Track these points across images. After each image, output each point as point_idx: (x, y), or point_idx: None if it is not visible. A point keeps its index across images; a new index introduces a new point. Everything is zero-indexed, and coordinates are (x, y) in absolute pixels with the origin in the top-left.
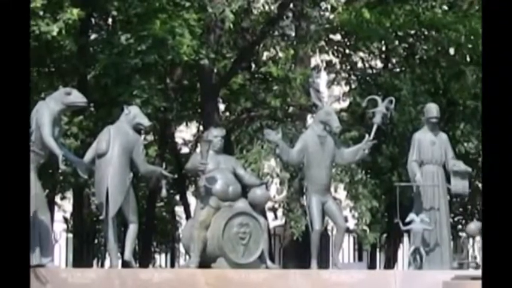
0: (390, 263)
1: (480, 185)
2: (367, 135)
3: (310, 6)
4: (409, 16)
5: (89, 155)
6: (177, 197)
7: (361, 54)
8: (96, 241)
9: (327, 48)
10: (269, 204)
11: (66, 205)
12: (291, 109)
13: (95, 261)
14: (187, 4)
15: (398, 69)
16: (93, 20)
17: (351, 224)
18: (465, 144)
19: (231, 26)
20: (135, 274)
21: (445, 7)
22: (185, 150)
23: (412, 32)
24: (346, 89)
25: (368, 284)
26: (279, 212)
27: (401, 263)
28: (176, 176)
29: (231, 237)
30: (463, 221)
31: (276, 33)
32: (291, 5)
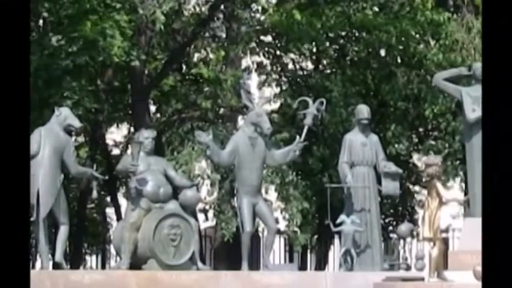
0: (321, 264)
1: (411, 186)
2: (298, 137)
3: (240, 8)
4: (340, 17)
5: None
6: (108, 199)
7: (292, 55)
8: None
9: (257, 50)
10: (200, 205)
11: None
12: (221, 111)
13: None
14: (118, 5)
15: (329, 71)
16: None
17: (282, 225)
18: (396, 145)
19: (162, 27)
20: (66, 275)
21: (376, 8)
22: (116, 151)
23: (343, 33)
24: (277, 90)
25: (299, 286)
26: (210, 214)
27: (332, 265)
28: (107, 177)
29: (161, 238)
30: (394, 223)
31: (207, 34)
32: (222, 7)
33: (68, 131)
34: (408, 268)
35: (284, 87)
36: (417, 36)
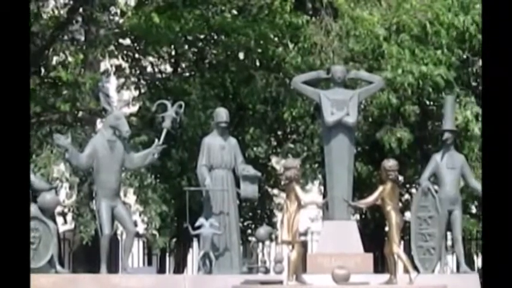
0: (180, 267)
1: (270, 190)
2: (156, 140)
3: (99, 11)
4: (198, 20)
5: None
6: None
7: (150, 58)
8: None
9: (116, 53)
10: (59, 208)
11: None
12: (80, 114)
13: None
14: None
15: (187, 74)
16: None
17: (141, 228)
18: (255, 148)
19: None
20: None
21: (235, 11)
22: None
23: (202, 36)
24: (136, 93)
25: None
26: (69, 217)
27: (191, 268)
28: None
29: None
30: (253, 226)
31: (66, 37)
32: (81, 10)
33: None
34: (267, 271)
35: (143, 90)
36: (276, 39)
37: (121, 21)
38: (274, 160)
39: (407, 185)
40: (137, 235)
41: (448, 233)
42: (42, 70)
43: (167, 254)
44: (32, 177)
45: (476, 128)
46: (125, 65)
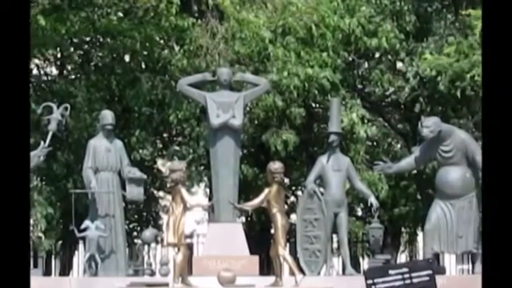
0: (66, 269)
1: (155, 192)
2: (42, 142)
3: None
4: (84, 23)
5: None
6: None
7: (36, 61)
8: None
9: None
10: None
11: None
12: None
13: None
14: None
15: (73, 76)
16: None
17: None
18: (140, 151)
19: None
20: None
21: (121, 14)
22: None
23: (88, 38)
24: None
25: None
26: None
27: (76, 270)
28: None
29: None
30: (138, 228)
31: None
32: None
33: None
34: (153, 274)
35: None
36: (162, 41)
37: None
38: (160, 162)
39: (293, 188)
40: None
41: (334, 236)
42: None
43: (53, 256)
44: None
45: (361, 131)
46: None
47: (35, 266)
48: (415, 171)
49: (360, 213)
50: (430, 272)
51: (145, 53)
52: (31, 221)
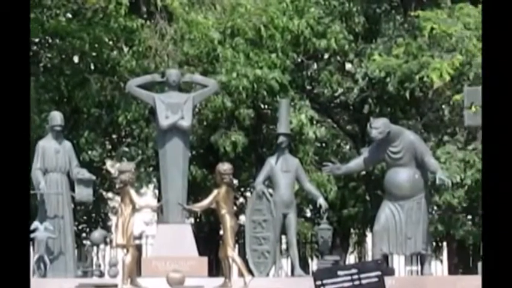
0: None
1: (104, 193)
2: None
3: None
4: (33, 24)
5: None
6: None
7: None
8: None
9: None
10: None
11: None
12: None
13: None
14: None
15: None
16: None
17: None
18: (89, 152)
19: None
20: None
21: (69, 15)
22: None
23: (37, 40)
24: None
25: None
26: None
27: None
28: None
29: None
30: (88, 229)
31: None
32: None
33: None
34: (101, 275)
35: None
36: (110, 42)
37: None
38: (109, 163)
39: (242, 189)
40: None
41: (283, 237)
42: None
43: None
44: None
45: (310, 132)
46: None
47: None
48: (364, 172)
49: (308, 214)
50: (378, 273)
51: (94, 54)
52: None
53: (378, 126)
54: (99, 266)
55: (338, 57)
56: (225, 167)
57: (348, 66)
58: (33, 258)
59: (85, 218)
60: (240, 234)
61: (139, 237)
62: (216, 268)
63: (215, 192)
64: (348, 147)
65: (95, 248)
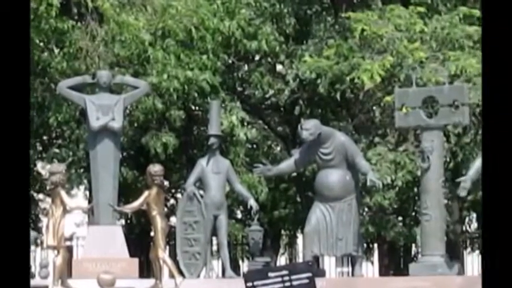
0: None
1: (35, 194)
2: None
3: None
4: None
5: None
6: None
7: None
8: None
9: None
10: None
11: None
12: None
13: None
14: None
15: None
16: None
17: None
18: None
19: None
20: None
21: None
22: None
23: None
24: None
25: None
26: None
27: None
28: None
29: None
30: None
31: None
32: None
33: None
34: (32, 276)
35: None
36: (41, 44)
37: None
38: (39, 165)
39: (173, 190)
40: None
41: (214, 238)
42: None
43: None
44: None
45: (241, 133)
46: None
47: None
48: (294, 174)
49: (239, 215)
50: (309, 274)
51: None
52: None
53: (309, 127)
54: (30, 267)
55: (269, 59)
56: (155, 168)
57: (279, 67)
58: None
59: None
60: (170, 236)
61: (70, 238)
62: (147, 269)
63: (146, 193)
64: (278, 148)
65: None
